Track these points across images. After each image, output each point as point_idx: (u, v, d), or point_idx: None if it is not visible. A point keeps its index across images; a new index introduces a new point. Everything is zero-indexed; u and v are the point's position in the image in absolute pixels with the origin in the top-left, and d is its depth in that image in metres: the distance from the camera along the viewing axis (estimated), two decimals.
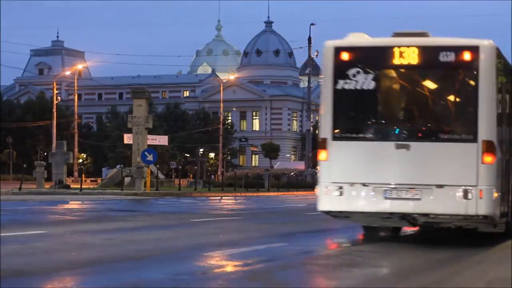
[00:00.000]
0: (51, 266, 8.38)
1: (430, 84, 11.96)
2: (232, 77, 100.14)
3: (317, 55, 63.18)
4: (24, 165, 44.02)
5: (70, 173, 61.66)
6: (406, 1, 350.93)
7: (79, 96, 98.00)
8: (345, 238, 13.57)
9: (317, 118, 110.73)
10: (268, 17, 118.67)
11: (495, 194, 11.39)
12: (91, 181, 68.54)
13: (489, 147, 11.21)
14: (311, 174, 59.76)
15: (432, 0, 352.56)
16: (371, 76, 11.68)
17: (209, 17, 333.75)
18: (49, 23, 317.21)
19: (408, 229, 16.25)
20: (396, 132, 11.78)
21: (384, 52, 11.72)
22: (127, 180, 40.61)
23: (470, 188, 11.15)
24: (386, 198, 11.45)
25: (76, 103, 73.75)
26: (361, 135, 11.79)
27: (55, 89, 68.40)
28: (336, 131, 11.80)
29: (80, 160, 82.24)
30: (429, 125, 11.86)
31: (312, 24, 62.24)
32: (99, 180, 63.71)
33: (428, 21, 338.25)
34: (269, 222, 17.84)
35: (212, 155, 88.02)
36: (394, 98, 12.21)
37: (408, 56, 11.54)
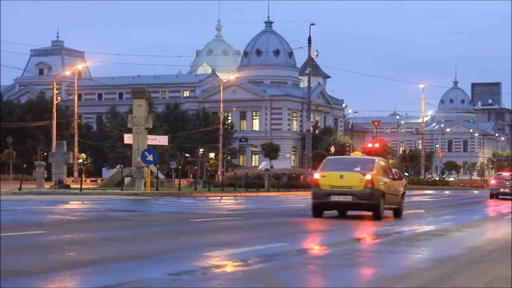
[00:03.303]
0: (51, 266, 8.38)
1: None
2: (232, 77, 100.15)
3: (317, 55, 63.10)
4: (24, 165, 44.03)
5: (70, 173, 61.68)
6: (405, 1, 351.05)
7: (79, 96, 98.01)
8: (345, 238, 13.57)
9: (317, 118, 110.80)
10: (268, 17, 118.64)
11: None
12: (91, 181, 68.60)
13: None
14: (311, 174, 59.76)
15: (432, 0, 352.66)
16: None
17: (209, 17, 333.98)
18: (49, 23, 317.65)
19: (406, 229, 16.24)
20: None
21: None
22: (127, 180, 40.64)
23: None
24: None
25: (76, 103, 73.78)
26: None
27: (55, 89, 68.43)
28: None
29: (80, 160, 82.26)
30: None
31: (312, 24, 62.13)
32: (99, 180, 63.75)
33: (428, 21, 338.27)
34: (269, 222, 17.85)
35: (212, 155, 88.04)
36: None
37: None
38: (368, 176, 19.07)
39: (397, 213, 21.21)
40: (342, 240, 13.11)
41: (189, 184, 52.90)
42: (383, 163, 20.88)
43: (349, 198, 19.12)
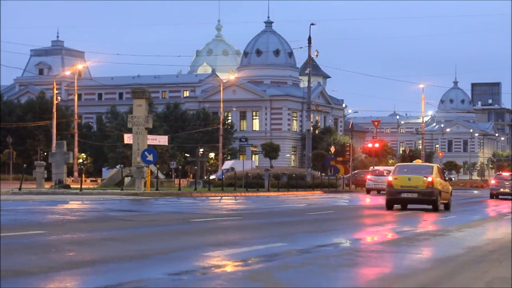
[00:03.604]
0: (51, 266, 8.38)
1: None
2: (232, 77, 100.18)
3: (317, 55, 63.09)
4: (24, 165, 44.00)
5: (70, 173, 61.70)
6: (405, 1, 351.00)
7: (79, 96, 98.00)
8: (345, 238, 13.57)
9: (317, 118, 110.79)
10: (268, 17, 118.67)
11: None
12: (91, 181, 68.58)
13: None
14: (311, 174, 59.74)
15: (432, 0, 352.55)
16: None
17: (209, 17, 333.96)
18: (49, 23, 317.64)
19: (406, 229, 16.24)
20: None
21: None
22: (127, 180, 40.63)
23: None
24: None
25: (76, 103, 73.76)
26: None
27: (55, 89, 68.41)
28: None
29: (80, 160, 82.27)
30: None
31: (312, 24, 62.12)
32: (99, 180, 63.74)
33: (428, 21, 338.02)
34: (269, 222, 17.85)
35: (212, 155, 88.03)
36: None
37: None
38: (430, 179, 25.15)
39: (447, 207, 26.93)
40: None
41: (189, 184, 52.88)
42: (439, 168, 26.92)
43: (415, 195, 25.24)
